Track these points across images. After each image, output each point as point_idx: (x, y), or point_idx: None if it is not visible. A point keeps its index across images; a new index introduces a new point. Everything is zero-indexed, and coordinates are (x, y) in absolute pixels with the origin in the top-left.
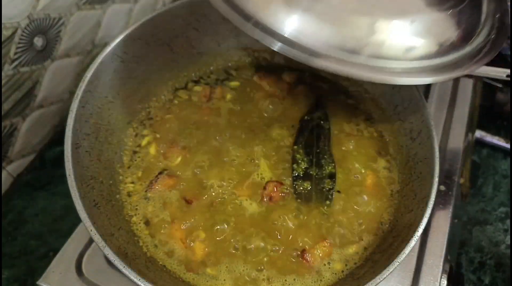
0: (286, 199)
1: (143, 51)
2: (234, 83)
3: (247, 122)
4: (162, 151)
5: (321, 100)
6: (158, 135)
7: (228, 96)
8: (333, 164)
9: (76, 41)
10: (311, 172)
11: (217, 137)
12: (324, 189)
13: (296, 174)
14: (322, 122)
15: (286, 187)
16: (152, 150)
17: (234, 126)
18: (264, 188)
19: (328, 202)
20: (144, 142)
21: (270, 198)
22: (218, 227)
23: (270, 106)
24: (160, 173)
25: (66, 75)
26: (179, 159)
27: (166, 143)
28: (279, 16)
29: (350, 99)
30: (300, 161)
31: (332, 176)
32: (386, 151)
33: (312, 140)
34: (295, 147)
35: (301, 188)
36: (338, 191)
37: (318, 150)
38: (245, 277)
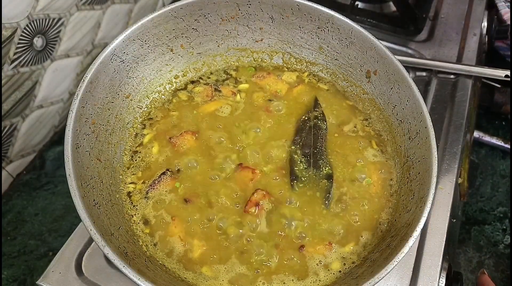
0: (272, 208)
1: (143, 51)
2: (243, 86)
3: (247, 123)
4: (171, 140)
5: (318, 100)
6: (159, 127)
7: (236, 96)
8: (330, 165)
9: (76, 42)
10: (308, 173)
11: (216, 138)
12: (321, 190)
13: (294, 175)
14: (319, 122)
15: (273, 199)
16: (155, 149)
17: (234, 126)
18: (253, 194)
19: (326, 202)
20: (146, 140)
21: (257, 205)
22: (217, 227)
23: (270, 107)
24: (163, 173)
25: (66, 76)
26: (187, 147)
27: (174, 132)
28: None
29: (348, 100)
30: (298, 161)
31: (329, 177)
32: (383, 145)
33: (309, 141)
34: (293, 147)
35: (299, 188)
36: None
37: (315, 151)
38: (243, 277)
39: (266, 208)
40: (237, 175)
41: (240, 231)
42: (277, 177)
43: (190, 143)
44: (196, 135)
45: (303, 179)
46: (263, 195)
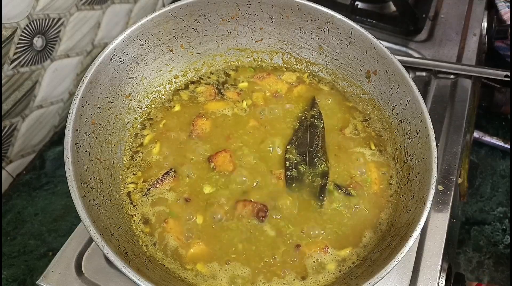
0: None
1: (143, 51)
2: (243, 85)
3: (246, 123)
4: (192, 122)
5: (315, 100)
6: (162, 126)
7: (242, 103)
8: (326, 162)
9: (76, 42)
10: (303, 171)
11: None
12: (316, 188)
13: (289, 174)
14: (315, 121)
15: (256, 204)
16: (156, 150)
17: (234, 128)
18: (235, 208)
19: (321, 200)
20: (146, 140)
21: (241, 217)
22: (217, 226)
23: (270, 107)
24: (167, 173)
25: (66, 76)
26: (208, 129)
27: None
28: None
29: (348, 100)
30: (292, 161)
31: (324, 174)
32: (383, 145)
33: (305, 139)
34: (288, 147)
35: (294, 187)
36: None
37: (311, 149)
38: (243, 277)
39: (255, 212)
40: (215, 163)
41: (239, 230)
42: (273, 177)
43: (206, 124)
44: (203, 116)
45: (298, 178)
46: (244, 205)
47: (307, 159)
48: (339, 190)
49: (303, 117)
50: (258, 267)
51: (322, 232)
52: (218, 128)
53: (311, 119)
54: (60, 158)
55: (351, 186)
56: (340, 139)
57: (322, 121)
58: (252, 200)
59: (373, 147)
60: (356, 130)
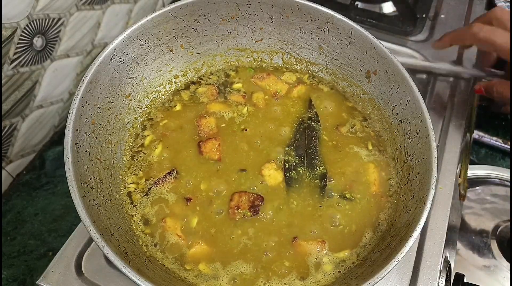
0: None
1: (143, 51)
2: (237, 86)
3: (247, 124)
4: (196, 123)
5: (312, 101)
6: (164, 126)
7: (243, 109)
8: (324, 165)
9: (76, 42)
10: (302, 173)
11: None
12: (316, 190)
13: (288, 175)
14: (313, 123)
15: (252, 195)
16: (158, 150)
17: (235, 129)
18: (231, 200)
19: (321, 202)
20: (147, 141)
21: (237, 208)
22: (217, 226)
23: (270, 108)
24: (169, 173)
25: (66, 75)
26: (214, 125)
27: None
28: None
29: (348, 101)
30: (291, 163)
31: (323, 177)
32: (382, 145)
33: (303, 142)
34: (287, 149)
35: (294, 189)
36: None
37: (309, 151)
38: (243, 276)
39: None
40: (203, 149)
41: (239, 230)
42: (273, 179)
43: (210, 121)
44: (205, 115)
45: (297, 180)
46: (240, 196)
47: (306, 161)
48: (338, 191)
49: (300, 119)
50: (259, 266)
51: (321, 230)
52: (222, 127)
53: (308, 121)
54: (60, 158)
55: (350, 186)
56: (337, 138)
57: (319, 124)
58: (247, 191)
59: (370, 147)
60: (353, 128)
